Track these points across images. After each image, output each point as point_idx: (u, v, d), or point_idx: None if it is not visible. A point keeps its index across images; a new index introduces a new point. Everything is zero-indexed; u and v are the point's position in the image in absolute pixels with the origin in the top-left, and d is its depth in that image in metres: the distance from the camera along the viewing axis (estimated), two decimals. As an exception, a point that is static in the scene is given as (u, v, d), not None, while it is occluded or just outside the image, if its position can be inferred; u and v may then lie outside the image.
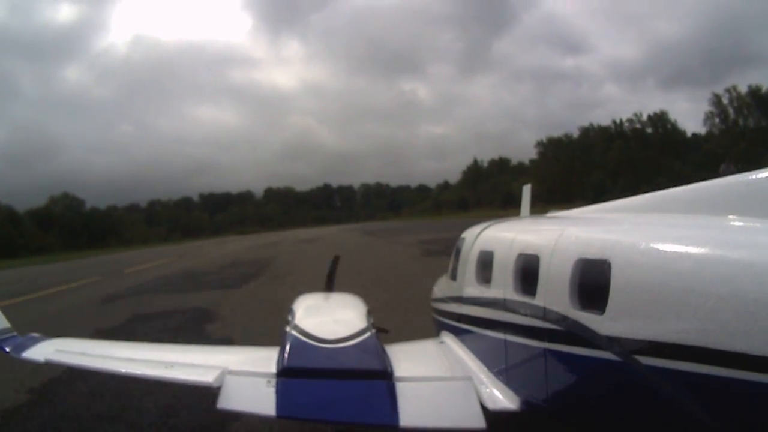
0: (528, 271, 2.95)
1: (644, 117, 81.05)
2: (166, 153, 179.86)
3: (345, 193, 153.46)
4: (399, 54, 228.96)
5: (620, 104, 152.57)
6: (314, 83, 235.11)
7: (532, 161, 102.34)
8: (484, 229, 4.13)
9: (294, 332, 3.50)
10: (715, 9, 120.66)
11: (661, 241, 2.21)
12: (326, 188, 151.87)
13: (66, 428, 5.55)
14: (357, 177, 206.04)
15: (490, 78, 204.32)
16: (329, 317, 3.98)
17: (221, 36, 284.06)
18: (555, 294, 2.61)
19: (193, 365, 3.35)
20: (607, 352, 2.25)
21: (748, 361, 1.70)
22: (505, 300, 3.19)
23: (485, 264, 3.65)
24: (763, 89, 67.07)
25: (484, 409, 2.95)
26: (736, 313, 1.74)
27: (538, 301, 2.77)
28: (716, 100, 71.61)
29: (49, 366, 3.80)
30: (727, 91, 70.73)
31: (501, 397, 3.08)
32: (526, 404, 2.98)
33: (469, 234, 4.34)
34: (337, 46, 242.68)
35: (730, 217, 2.29)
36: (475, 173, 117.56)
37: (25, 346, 3.82)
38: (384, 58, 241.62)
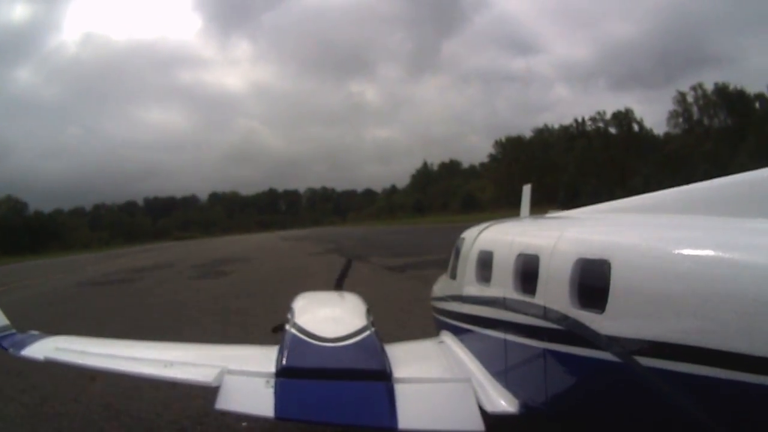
0: (528, 271, 2.93)
1: (608, 116, 77.58)
2: (114, 156, 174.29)
3: (290, 197, 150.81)
4: (348, 55, 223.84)
5: (571, 106, 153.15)
6: (262, 85, 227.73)
7: (482, 165, 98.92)
8: (484, 229, 4.14)
9: (293, 330, 3.52)
10: (667, 10, 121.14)
11: (661, 241, 2.21)
12: (271, 193, 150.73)
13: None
14: (303, 181, 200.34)
15: (438, 80, 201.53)
16: (329, 315, 4.07)
17: (171, 36, 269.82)
18: (555, 294, 2.58)
19: (192, 364, 3.32)
20: (606, 353, 2.21)
21: (748, 363, 1.66)
22: (504, 299, 3.16)
23: (485, 264, 3.64)
24: (730, 87, 64.71)
25: (482, 411, 2.92)
26: (736, 313, 1.72)
27: (538, 300, 2.74)
28: (681, 98, 69.01)
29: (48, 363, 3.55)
30: (693, 89, 68.52)
31: (500, 400, 3.06)
32: (525, 407, 2.95)
33: (468, 234, 4.36)
34: (286, 46, 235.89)
35: (730, 217, 2.25)
36: (425, 176, 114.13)
37: (24, 344, 3.84)
38: (333, 59, 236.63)
